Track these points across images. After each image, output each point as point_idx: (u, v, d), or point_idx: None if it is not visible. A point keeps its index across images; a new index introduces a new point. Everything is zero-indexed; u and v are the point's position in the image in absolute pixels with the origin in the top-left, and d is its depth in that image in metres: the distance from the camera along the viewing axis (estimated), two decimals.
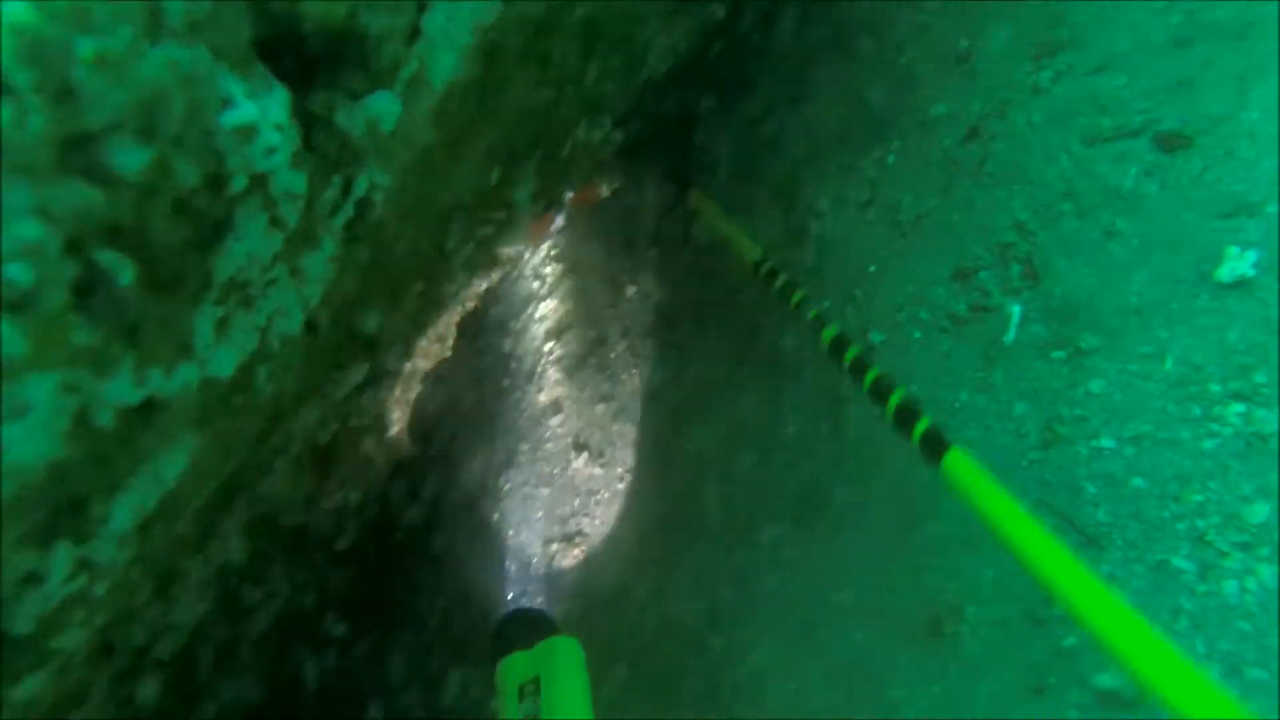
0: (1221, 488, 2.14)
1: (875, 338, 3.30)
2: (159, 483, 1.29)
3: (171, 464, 1.29)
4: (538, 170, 3.83)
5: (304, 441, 3.92)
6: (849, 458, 3.14)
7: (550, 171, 3.89)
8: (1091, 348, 2.63)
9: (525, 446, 5.33)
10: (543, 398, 5.41)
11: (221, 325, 1.21)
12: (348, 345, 3.36)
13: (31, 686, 1.34)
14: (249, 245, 1.11)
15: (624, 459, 4.53)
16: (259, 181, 1.05)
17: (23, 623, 1.15)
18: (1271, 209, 2.35)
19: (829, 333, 2.75)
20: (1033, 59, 3.38)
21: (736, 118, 4.69)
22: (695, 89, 4.93)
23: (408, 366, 5.71)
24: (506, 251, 4.76)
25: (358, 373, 3.89)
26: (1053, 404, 2.63)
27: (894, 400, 2.33)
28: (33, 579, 1.11)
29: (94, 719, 2.98)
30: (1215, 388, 2.27)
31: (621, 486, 4.47)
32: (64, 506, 1.17)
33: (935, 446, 2.10)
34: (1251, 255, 2.31)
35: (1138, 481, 2.32)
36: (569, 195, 5.07)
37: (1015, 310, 2.91)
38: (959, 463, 2.02)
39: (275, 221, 1.15)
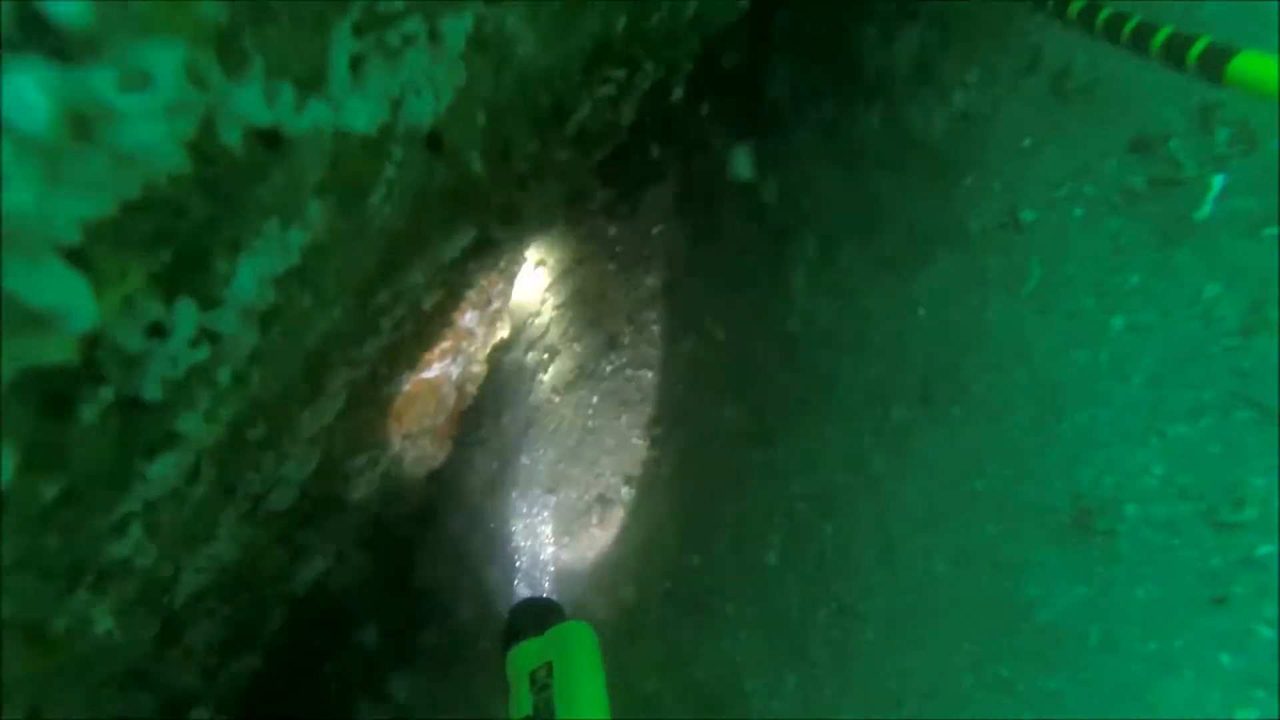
0: None
1: (1026, 216, 2.94)
2: (284, 251, 1.15)
3: (297, 231, 1.16)
4: None
5: (410, 304, 3.86)
6: (988, 342, 2.84)
7: None
8: None
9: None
10: None
11: (357, 65, 1.03)
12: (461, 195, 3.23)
13: (163, 468, 1.27)
14: None
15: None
16: None
17: (151, 386, 1.05)
18: None
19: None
20: None
21: None
22: None
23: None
24: None
25: (464, 236, 3.78)
26: (1261, 286, 2.26)
27: (1160, 36, 2.21)
28: (159, 331, 1.00)
29: (222, 555, 3.07)
30: None
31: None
32: (187, 259, 1.05)
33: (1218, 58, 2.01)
34: None
35: None
36: None
37: (1217, 180, 2.50)
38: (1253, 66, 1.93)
39: None
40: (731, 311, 4.19)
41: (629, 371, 4.85)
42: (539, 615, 2.54)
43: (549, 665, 2.12)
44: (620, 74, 3.53)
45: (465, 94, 2.00)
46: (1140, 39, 2.30)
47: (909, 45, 3.88)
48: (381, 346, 3.74)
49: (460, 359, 5.31)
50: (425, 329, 4.71)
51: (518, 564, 5.29)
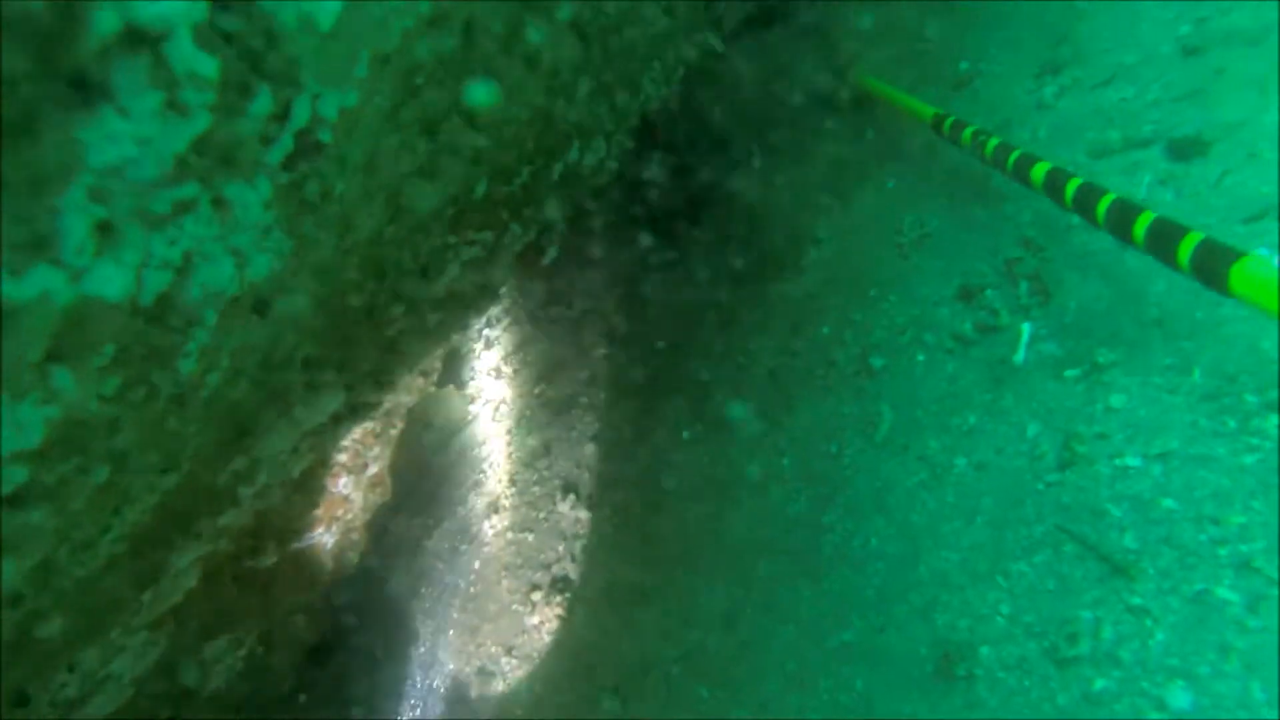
0: (1266, 507, 1.97)
1: (875, 362, 3.16)
2: (19, 428, 1.13)
3: (32, 406, 1.14)
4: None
5: (275, 472, 3.72)
6: (848, 489, 2.95)
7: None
8: (1110, 362, 2.49)
9: None
10: None
11: (103, 231, 1.07)
12: (319, 360, 3.23)
13: None
14: (136, 126, 0.99)
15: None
16: (145, 41, 0.93)
17: None
18: None
19: (1041, 168, 2.54)
20: (1035, 77, 3.36)
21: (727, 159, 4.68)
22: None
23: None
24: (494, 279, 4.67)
25: (331, 401, 3.73)
26: (1069, 422, 2.47)
27: (1142, 222, 2.06)
28: None
29: None
30: (1251, 399, 2.12)
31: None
32: None
33: (1218, 260, 1.81)
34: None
35: (1168, 503, 2.14)
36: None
37: (1025, 328, 2.78)
38: (1257, 275, 1.71)
39: (174, 106, 1.03)
40: (611, 472, 4.23)
41: (510, 535, 4.74)
42: None
43: None
44: (486, 236, 3.73)
45: (296, 259, 2.07)
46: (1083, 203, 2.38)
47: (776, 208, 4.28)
48: (243, 517, 3.57)
49: (336, 527, 5.10)
50: (295, 497, 4.54)
51: None
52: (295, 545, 4.67)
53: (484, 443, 5.74)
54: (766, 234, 4.19)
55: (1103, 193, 2.26)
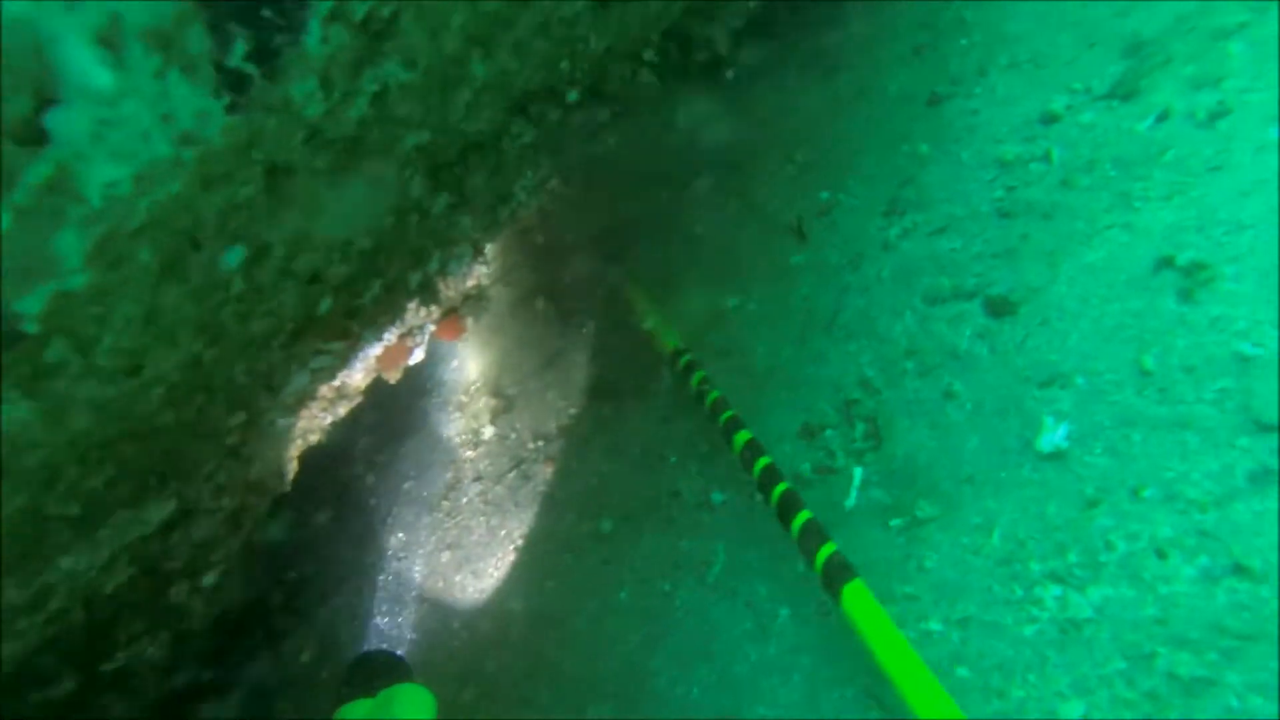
0: (1040, 681, 2.06)
1: (716, 497, 3.23)
2: None
3: None
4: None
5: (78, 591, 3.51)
6: (677, 632, 2.96)
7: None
8: (928, 516, 2.61)
9: None
10: None
11: None
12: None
13: None
14: None
15: None
16: None
17: None
18: (1080, 381, 2.43)
19: (742, 436, 3.05)
20: (884, 215, 3.59)
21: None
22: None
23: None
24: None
25: (159, 510, 3.59)
26: (887, 578, 2.55)
27: (798, 520, 2.66)
28: None
29: None
30: (1035, 566, 2.25)
31: None
32: None
33: (836, 574, 2.41)
34: (1064, 428, 2.38)
35: (962, 671, 2.22)
36: (432, 329, 5.04)
37: (857, 473, 2.90)
38: (859, 598, 2.31)
39: None
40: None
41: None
42: (374, 672, 2.48)
43: None
44: (337, 347, 3.71)
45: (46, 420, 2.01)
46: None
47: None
48: (26, 649, 3.35)
49: (167, 637, 4.80)
50: (109, 613, 4.28)
51: None
52: (104, 666, 4.37)
53: None
54: (625, 354, 4.31)
55: (780, 480, 2.82)
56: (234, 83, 1.35)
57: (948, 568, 2.47)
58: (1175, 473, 2.16)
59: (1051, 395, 2.48)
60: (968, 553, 2.45)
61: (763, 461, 2.90)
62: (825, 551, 2.50)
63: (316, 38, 1.56)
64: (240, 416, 3.57)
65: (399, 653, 4.24)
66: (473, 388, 5.58)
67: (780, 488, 2.77)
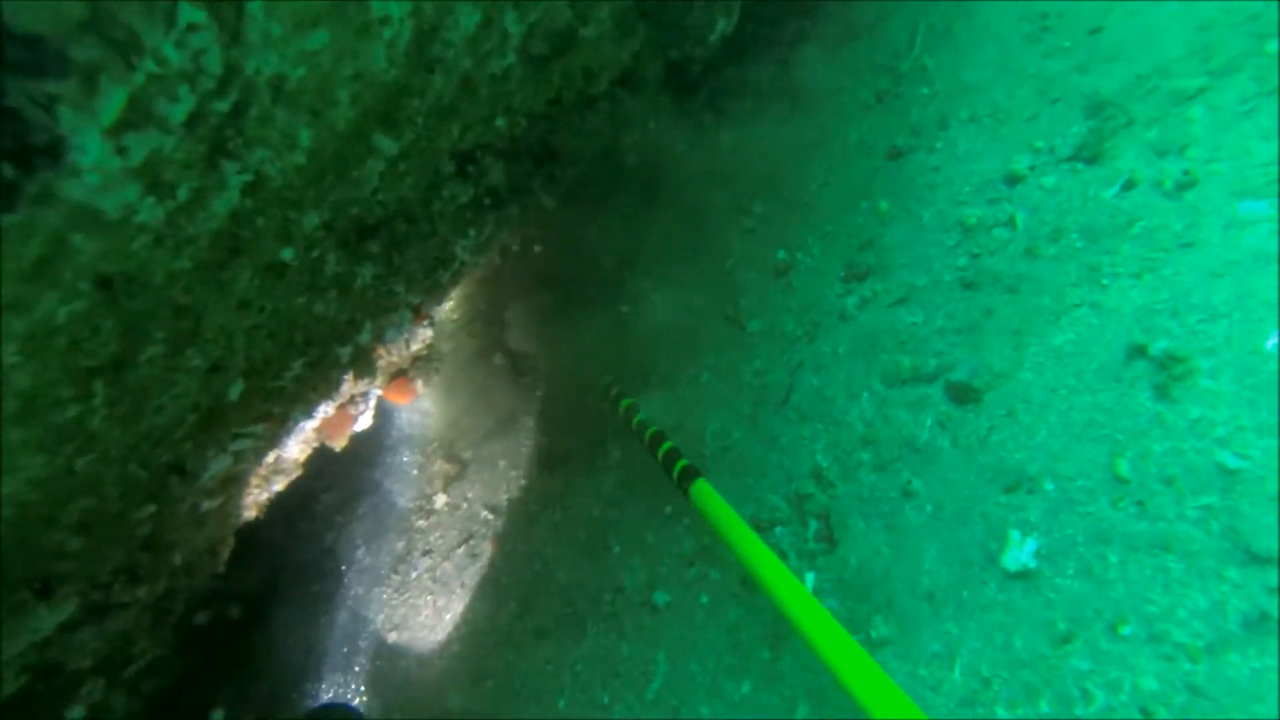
0: None
1: (659, 599, 2.91)
2: None
3: None
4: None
5: None
6: None
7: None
8: (883, 638, 2.30)
9: None
10: None
11: None
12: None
13: None
14: None
15: None
16: None
17: None
18: (1049, 486, 2.13)
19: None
20: (842, 280, 3.30)
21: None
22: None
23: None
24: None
25: (58, 613, 3.31)
26: (840, 710, 2.24)
27: (663, 449, 2.99)
28: None
29: None
30: (1001, 713, 1.93)
31: None
32: None
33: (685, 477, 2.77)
34: (1032, 543, 2.07)
35: None
36: (379, 393, 4.73)
37: (809, 578, 2.58)
38: (703, 491, 2.67)
39: None
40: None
41: None
42: None
43: None
44: (258, 429, 3.40)
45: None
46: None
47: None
48: None
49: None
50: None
51: None
52: None
53: None
54: (588, 416, 4.00)
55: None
56: None
57: None
58: (1158, 607, 1.86)
59: (1018, 501, 2.17)
60: (925, 687, 2.13)
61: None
62: (680, 465, 2.85)
63: (100, 153, 1.27)
64: (149, 508, 3.26)
65: (354, 704, 3.93)
66: (430, 447, 5.27)
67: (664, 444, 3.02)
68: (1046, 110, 2.96)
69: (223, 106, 1.69)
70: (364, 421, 4.69)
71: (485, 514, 4.14)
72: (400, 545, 4.72)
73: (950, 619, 2.19)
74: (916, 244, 3.06)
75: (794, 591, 2.15)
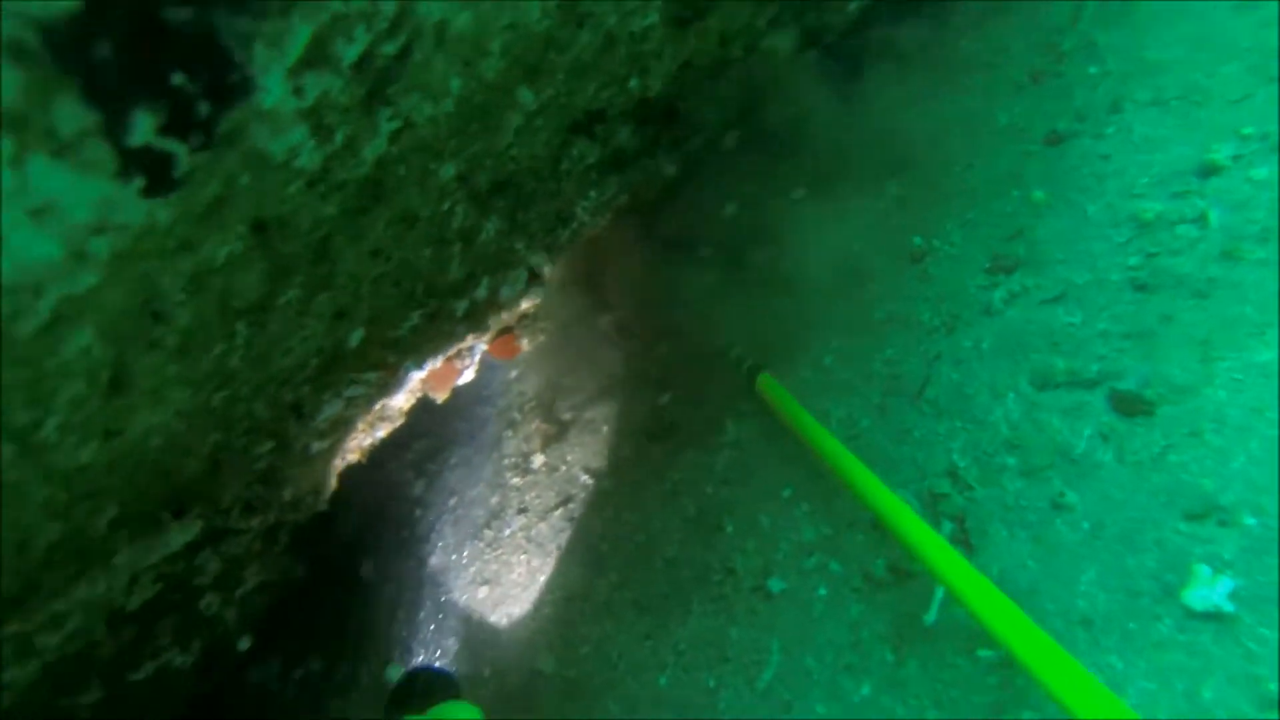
0: None
1: (774, 585, 2.78)
2: None
3: None
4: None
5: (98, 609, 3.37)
6: None
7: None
8: None
9: None
10: None
11: None
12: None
13: None
14: None
15: None
16: None
17: None
18: (1249, 520, 1.89)
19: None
20: (986, 271, 3.05)
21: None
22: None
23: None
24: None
25: (183, 533, 3.41)
26: None
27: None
28: None
29: None
30: None
31: None
32: None
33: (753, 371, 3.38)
34: (1227, 583, 1.84)
35: None
36: (484, 348, 4.70)
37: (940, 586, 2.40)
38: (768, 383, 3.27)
39: None
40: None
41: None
42: (425, 688, 2.48)
43: None
44: (371, 377, 3.40)
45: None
46: None
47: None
48: (44, 665, 3.19)
49: (198, 645, 4.64)
50: (135, 626, 4.11)
51: None
52: (135, 676, 4.21)
53: None
54: (702, 386, 3.86)
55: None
56: (151, 161, 0.97)
57: None
58: None
59: (1206, 533, 1.94)
60: None
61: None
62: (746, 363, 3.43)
63: (280, 93, 1.18)
64: (268, 445, 3.31)
65: (449, 669, 3.97)
66: (526, 406, 5.23)
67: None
68: (1262, 90, 2.62)
69: (390, 50, 1.59)
70: (467, 375, 4.68)
71: (585, 478, 4.08)
72: (494, 500, 4.71)
73: (1113, 650, 1.99)
74: (1077, 238, 2.79)
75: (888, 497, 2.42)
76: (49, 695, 3.80)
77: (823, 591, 2.69)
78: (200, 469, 2.97)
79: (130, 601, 3.62)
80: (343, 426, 3.96)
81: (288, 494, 4.14)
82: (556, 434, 4.65)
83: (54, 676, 3.69)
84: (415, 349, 3.56)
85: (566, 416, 4.75)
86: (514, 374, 5.64)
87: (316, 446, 3.84)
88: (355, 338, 3.00)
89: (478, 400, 5.73)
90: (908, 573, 2.55)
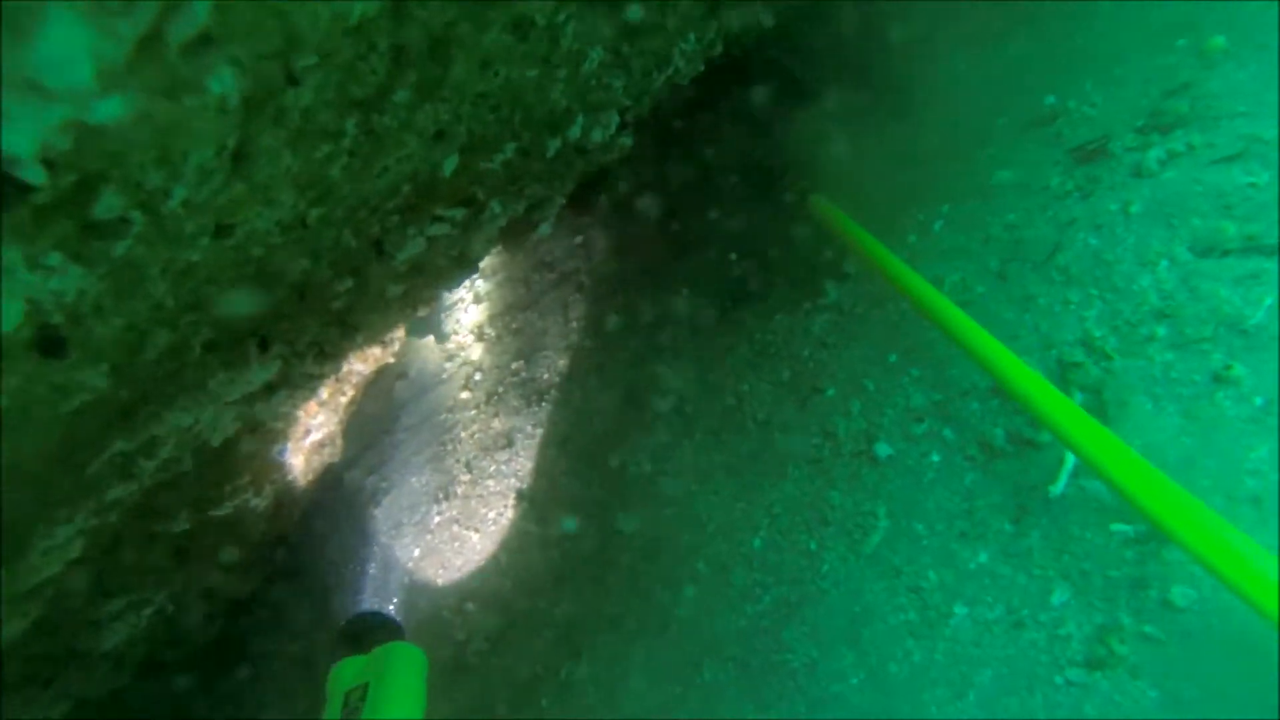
0: None
1: (881, 450, 2.60)
2: None
3: None
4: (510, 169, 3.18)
5: (186, 443, 3.31)
6: (819, 605, 2.42)
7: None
8: None
9: None
10: None
11: None
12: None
13: None
14: None
15: None
16: None
17: None
18: None
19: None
20: (1137, 132, 2.70)
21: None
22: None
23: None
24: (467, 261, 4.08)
25: (264, 371, 3.31)
26: (1110, 601, 1.92)
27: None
28: None
29: None
30: None
31: None
32: None
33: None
34: None
35: None
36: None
37: (1070, 456, 2.21)
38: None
39: None
40: (570, 489, 3.73)
41: (456, 528, 4.28)
42: (367, 631, 2.46)
43: (364, 688, 1.99)
44: (457, 214, 3.14)
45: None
46: None
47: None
48: (142, 489, 3.13)
49: (270, 490, 4.64)
50: (215, 465, 4.06)
51: None
52: (215, 511, 4.21)
53: (451, 410, 5.25)
54: (792, 250, 3.58)
55: None
56: None
57: (1209, 609, 1.81)
58: None
59: None
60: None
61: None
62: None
63: None
64: (347, 282, 3.12)
65: (391, 613, 4.02)
66: (595, 271, 4.98)
67: None
68: None
69: None
70: (542, 230, 4.43)
71: (664, 341, 3.87)
72: (562, 364, 4.56)
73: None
74: (1266, 88, 2.42)
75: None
76: (147, 520, 3.80)
77: (935, 458, 2.51)
78: (286, 298, 2.79)
79: (214, 437, 3.53)
80: (419, 273, 3.75)
81: (360, 340, 3.99)
82: (630, 298, 4.42)
83: (151, 500, 3.68)
84: (503, 187, 3.29)
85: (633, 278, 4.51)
86: (579, 239, 5.37)
87: (392, 291, 3.65)
88: (449, 165, 2.73)
89: (539, 266, 5.49)
90: (1030, 442, 2.35)
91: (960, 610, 2.16)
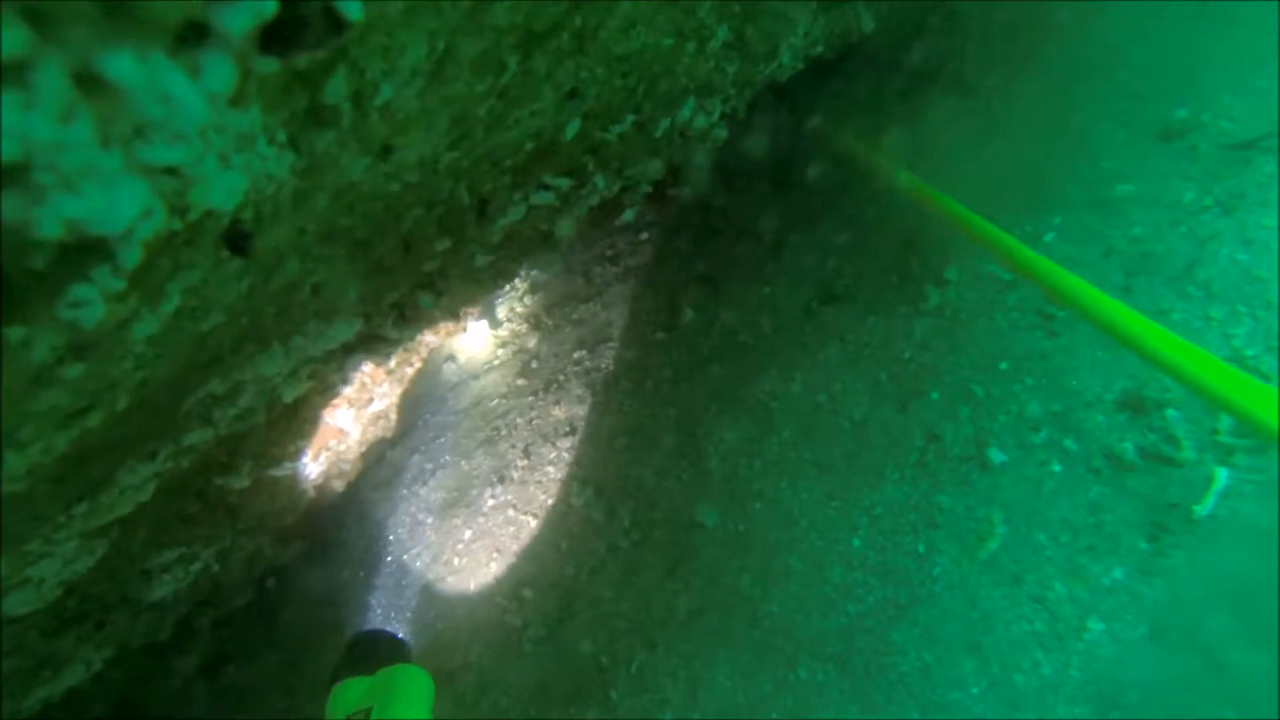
0: None
1: (995, 456, 2.48)
2: None
3: None
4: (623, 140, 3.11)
5: (262, 396, 3.21)
6: (931, 606, 2.29)
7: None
8: None
9: None
10: None
11: None
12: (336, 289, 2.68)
13: None
14: None
15: None
16: None
17: None
18: None
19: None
20: None
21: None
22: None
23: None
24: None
25: (345, 330, 3.21)
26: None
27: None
28: None
29: None
30: None
31: None
32: None
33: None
34: None
35: None
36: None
37: (1221, 473, 2.08)
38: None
39: None
40: (640, 480, 3.62)
41: (510, 512, 4.17)
42: (373, 651, 2.38)
43: (367, 712, 1.90)
44: (563, 183, 3.06)
45: (299, 180, 1.44)
46: None
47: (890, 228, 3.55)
48: (216, 438, 3.05)
49: (325, 457, 4.56)
50: (283, 422, 3.98)
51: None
52: (274, 471, 4.13)
53: (505, 396, 5.15)
54: (881, 254, 3.48)
55: None
56: None
57: None
58: None
59: None
60: None
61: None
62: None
63: None
64: (446, 242, 3.04)
65: (399, 634, 3.89)
66: (679, 266, 4.88)
67: None
68: None
69: None
70: (627, 216, 4.35)
71: (744, 338, 3.77)
72: (630, 355, 4.46)
73: None
74: None
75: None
76: (211, 472, 3.73)
77: (1056, 468, 2.38)
78: (393, 248, 2.71)
79: (287, 393, 3.44)
80: (509, 244, 3.67)
81: (440, 308, 3.91)
82: (710, 292, 4.32)
83: (219, 452, 3.61)
84: (607, 165, 3.21)
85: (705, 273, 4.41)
86: (643, 235, 5.28)
87: (481, 260, 3.57)
88: (571, 129, 2.66)
89: (600, 259, 5.41)
90: (1165, 459, 2.22)
91: (1096, 627, 2.03)
